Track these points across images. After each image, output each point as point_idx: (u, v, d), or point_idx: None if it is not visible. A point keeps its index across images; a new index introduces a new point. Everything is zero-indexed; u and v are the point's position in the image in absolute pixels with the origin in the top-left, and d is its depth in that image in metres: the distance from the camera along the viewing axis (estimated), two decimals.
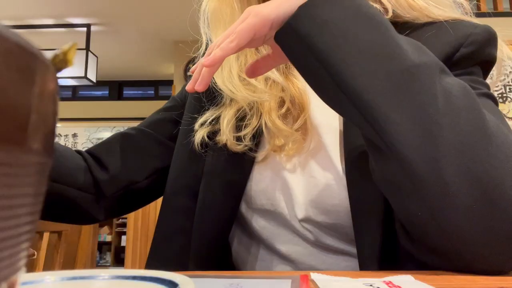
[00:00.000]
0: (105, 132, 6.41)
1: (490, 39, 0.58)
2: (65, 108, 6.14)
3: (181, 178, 0.66)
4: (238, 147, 0.61)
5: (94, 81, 4.65)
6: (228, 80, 0.64)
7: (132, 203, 0.72)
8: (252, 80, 0.62)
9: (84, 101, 6.49)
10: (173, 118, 0.72)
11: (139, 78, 6.41)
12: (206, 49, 0.67)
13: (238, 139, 0.62)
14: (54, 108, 0.15)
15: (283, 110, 0.62)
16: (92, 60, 4.61)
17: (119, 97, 6.62)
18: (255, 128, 0.62)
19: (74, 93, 6.58)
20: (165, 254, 0.64)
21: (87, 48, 4.55)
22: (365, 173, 0.51)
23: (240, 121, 0.64)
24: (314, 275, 0.35)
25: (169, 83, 5.20)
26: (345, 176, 0.56)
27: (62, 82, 4.57)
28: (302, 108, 0.62)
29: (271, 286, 0.32)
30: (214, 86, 0.64)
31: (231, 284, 0.32)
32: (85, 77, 4.47)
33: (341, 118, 0.60)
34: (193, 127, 0.66)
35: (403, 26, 0.60)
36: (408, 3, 0.60)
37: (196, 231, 0.60)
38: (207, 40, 0.68)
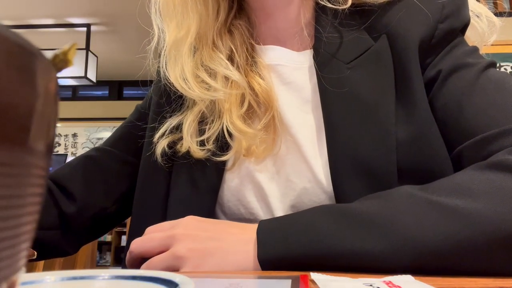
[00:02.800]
0: (105, 132, 6.40)
1: (461, 3, 0.56)
2: (65, 108, 6.14)
3: (147, 195, 0.61)
4: (201, 153, 0.56)
5: (94, 81, 4.65)
6: (181, 77, 0.58)
7: (102, 229, 0.68)
8: (207, 78, 0.57)
9: (84, 101, 6.48)
10: (136, 133, 0.65)
11: (139, 78, 6.40)
12: (158, 42, 0.63)
13: (201, 144, 0.57)
14: (54, 108, 0.15)
15: (244, 109, 0.57)
16: (92, 60, 4.61)
17: (119, 97, 6.62)
18: (218, 131, 0.57)
19: (74, 93, 6.58)
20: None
21: (87, 48, 4.55)
22: (350, 172, 0.50)
23: (202, 124, 0.58)
24: (314, 275, 0.35)
25: None
26: (324, 177, 0.53)
27: (62, 82, 4.57)
28: (268, 106, 0.57)
29: (271, 286, 0.32)
30: (171, 87, 0.59)
31: (231, 284, 0.32)
32: (85, 77, 4.47)
33: (316, 113, 0.56)
34: (153, 139, 0.60)
35: (369, 10, 0.57)
36: None
37: None
38: (160, 33, 0.62)
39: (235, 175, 0.57)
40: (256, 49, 0.63)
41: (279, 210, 0.55)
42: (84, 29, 4.61)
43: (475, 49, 0.56)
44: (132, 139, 0.66)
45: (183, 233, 0.44)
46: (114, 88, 6.61)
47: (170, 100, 0.62)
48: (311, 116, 0.57)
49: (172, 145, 0.59)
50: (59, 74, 0.16)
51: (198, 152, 0.56)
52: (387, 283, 0.32)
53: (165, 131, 0.59)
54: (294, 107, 0.58)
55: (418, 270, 0.37)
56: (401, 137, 0.51)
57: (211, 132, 0.57)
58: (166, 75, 0.60)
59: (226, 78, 0.58)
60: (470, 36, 0.59)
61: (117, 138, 0.69)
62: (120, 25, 4.67)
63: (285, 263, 0.41)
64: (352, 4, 0.58)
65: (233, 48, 0.60)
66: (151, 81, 0.70)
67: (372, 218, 0.40)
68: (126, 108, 6.45)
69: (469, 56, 0.54)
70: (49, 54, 0.15)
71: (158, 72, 0.66)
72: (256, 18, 0.63)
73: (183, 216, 0.49)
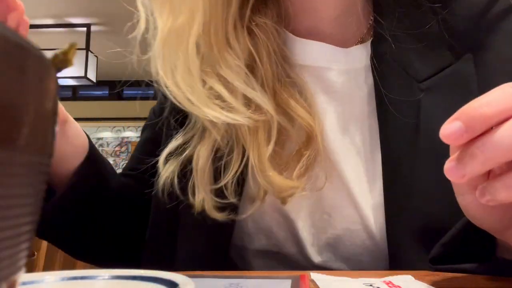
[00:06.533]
0: (105, 132, 6.40)
1: None
2: (65, 108, 6.12)
3: (153, 234, 0.50)
4: (219, 215, 0.42)
5: (94, 81, 4.65)
6: (186, 82, 0.43)
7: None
8: (225, 92, 0.42)
9: (84, 101, 6.48)
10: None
11: (139, 78, 6.40)
12: (145, 27, 0.46)
13: (219, 194, 0.43)
14: (53, 108, 0.15)
15: (272, 143, 0.42)
16: (92, 60, 4.61)
17: (119, 97, 6.62)
18: (238, 172, 0.43)
19: (74, 93, 6.58)
20: None
21: (87, 48, 4.55)
22: (412, 228, 0.40)
23: (217, 160, 0.44)
24: (314, 275, 0.35)
25: None
26: (374, 223, 0.43)
27: (62, 82, 4.57)
28: (310, 137, 0.43)
29: (271, 286, 0.32)
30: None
31: (231, 284, 0.32)
32: (85, 77, 4.48)
33: (367, 133, 0.44)
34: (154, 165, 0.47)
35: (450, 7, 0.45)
36: None
37: None
38: (147, 15, 0.46)
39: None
40: (289, 43, 0.47)
41: (310, 245, 0.46)
42: (84, 29, 4.61)
43: None
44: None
45: None
46: (114, 88, 6.61)
47: (175, 108, 0.48)
48: (360, 138, 0.44)
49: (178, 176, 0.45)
50: (59, 74, 0.16)
51: (215, 213, 0.43)
52: (387, 283, 0.32)
53: (168, 156, 0.46)
54: (339, 126, 0.45)
55: None
56: None
57: (230, 176, 0.43)
58: (159, 79, 0.45)
59: (249, 99, 0.43)
60: None
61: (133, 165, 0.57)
62: (120, 25, 4.66)
63: None
64: None
65: (256, 55, 0.44)
66: (149, 82, 0.55)
67: None
68: (126, 108, 6.45)
69: None
70: (49, 54, 0.15)
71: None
72: (293, 8, 0.47)
73: (195, 253, 0.43)
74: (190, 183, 0.44)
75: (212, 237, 0.45)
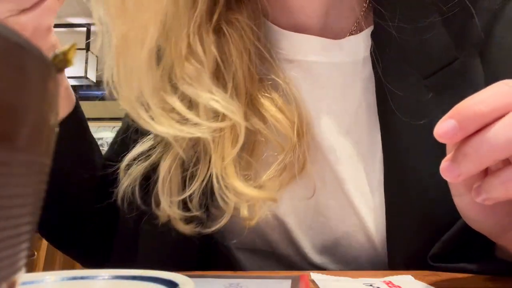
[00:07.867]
0: (105, 132, 6.39)
1: None
2: None
3: (118, 240, 0.48)
4: (186, 227, 0.40)
5: (94, 81, 4.66)
6: (138, 100, 0.39)
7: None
8: (178, 104, 0.39)
9: (84, 101, 6.48)
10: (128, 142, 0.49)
11: None
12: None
13: (184, 206, 0.41)
14: (54, 108, 0.15)
15: (237, 150, 0.39)
16: (92, 60, 4.62)
17: None
18: (204, 183, 0.40)
19: (74, 93, 6.58)
20: None
21: (87, 48, 4.56)
22: (413, 229, 0.39)
23: (184, 170, 0.41)
24: (314, 275, 0.35)
25: None
26: (373, 225, 0.42)
27: None
28: (287, 140, 0.40)
29: (271, 286, 0.32)
30: None
31: (231, 284, 0.32)
32: (85, 77, 4.48)
33: (363, 132, 0.42)
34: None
35: None
36: None
37: None
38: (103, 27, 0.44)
39: None
40: (273, 37, 0.44)
41: (309, 249, 0.44)
42: (84, 29, 4.61)
43: None
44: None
45: None
46: None
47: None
48: (356, 136, 0.42)
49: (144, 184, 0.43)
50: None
51: (181, 225, 0.40)
52: (387, 283, 0.32)
53: (130, 161, 0.43)
54: (333, 124, 0.42)
55: None
56: None
57: (194, 186, 0.40)
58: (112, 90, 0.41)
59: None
60: None
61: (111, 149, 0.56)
62: None
63: None
64: None
65: (225, 56, 0.41)
66: None
67: None
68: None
69: None
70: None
71: None
72: (272, 7, 0.44)
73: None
74: (154, 192, 0.41)
75: (176, 251, 0.43)
